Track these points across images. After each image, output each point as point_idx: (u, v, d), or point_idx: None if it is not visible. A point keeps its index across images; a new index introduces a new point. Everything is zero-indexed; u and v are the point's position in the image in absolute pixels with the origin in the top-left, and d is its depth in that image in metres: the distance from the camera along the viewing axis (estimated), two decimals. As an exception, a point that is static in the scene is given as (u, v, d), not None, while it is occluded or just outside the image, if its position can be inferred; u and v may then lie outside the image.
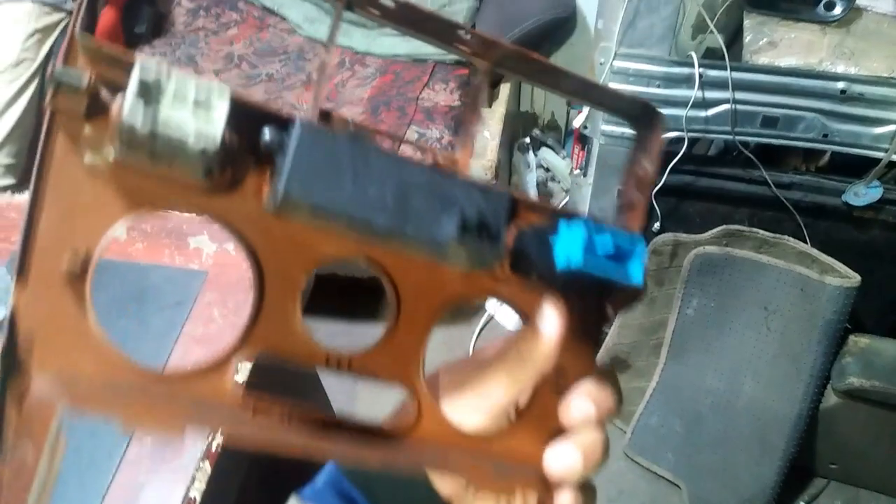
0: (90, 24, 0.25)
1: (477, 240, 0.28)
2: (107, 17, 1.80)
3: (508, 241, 0.30)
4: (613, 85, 1.37)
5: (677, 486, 1.66)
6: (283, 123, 0.27)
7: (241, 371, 0.74)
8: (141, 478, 0.76)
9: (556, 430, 0.33)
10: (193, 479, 0.76)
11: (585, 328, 0.33)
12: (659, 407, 1.69)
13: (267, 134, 0.26)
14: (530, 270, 0.31)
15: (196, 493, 0.75)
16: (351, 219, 0.26)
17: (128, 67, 0.23)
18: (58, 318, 0.25)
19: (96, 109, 0.24)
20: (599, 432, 0.33)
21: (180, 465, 0.77)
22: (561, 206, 1.95)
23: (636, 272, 0.29)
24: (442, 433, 0.31)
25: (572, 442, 0.32)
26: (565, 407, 0.33)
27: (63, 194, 0.24)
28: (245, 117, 0.26)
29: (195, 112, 0.24)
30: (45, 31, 1.67)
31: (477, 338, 1.88)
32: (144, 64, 0.23)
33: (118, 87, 0.24)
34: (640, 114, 0.34)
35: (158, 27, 2.01)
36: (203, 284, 0.96)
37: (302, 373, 1.24)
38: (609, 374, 0.34)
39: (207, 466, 0.77)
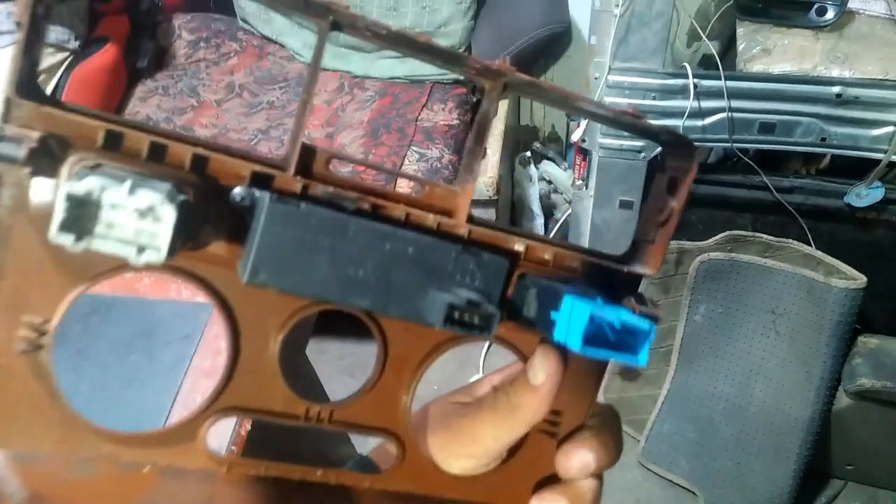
0: (30, 81, 0.22)
1: (468, 318, 0.26)
2: (108, 53, 1.83)
3: (508, 293, 0.28)
4: (609, 99, 1.39)
5: (693, 493, 1.66)
6: (257, 181, 0.25)
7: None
8: None
9: (548, 475, 0.32)
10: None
11: (585, 372, 0.32)
12: (671, 414, 1.69)
13: (237, 196, 0.24)
14: (526, 325, 0.29)
15: None
16: (328, 300, 0.25)
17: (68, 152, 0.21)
18: (15, 394, 0.24)
19: (45, 173, 0.22)
20: (594, 483, 0.32)
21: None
22: (564, 216, 1.96)
23: (641, 356, 0.27)
24: (427, 478, 0.30)
25: (564, 494, 0.32)
26: (562, 457, 0.32)
27: (16, 263, 0.23)
28: (212, 184, 0.24)
29: (137, 226, 0.21)
30: (49, 70, 1.70)
31: (486, 353, 1.88)
32: (73, 182, 0.20)
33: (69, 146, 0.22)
34: (673, 144, 0.30)
35: (160, 60, 2.04)
36: (210, 317, 0.98)
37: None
38: (609, 423, 0.33)
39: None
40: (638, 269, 0.32)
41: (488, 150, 1.80)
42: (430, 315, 0.25)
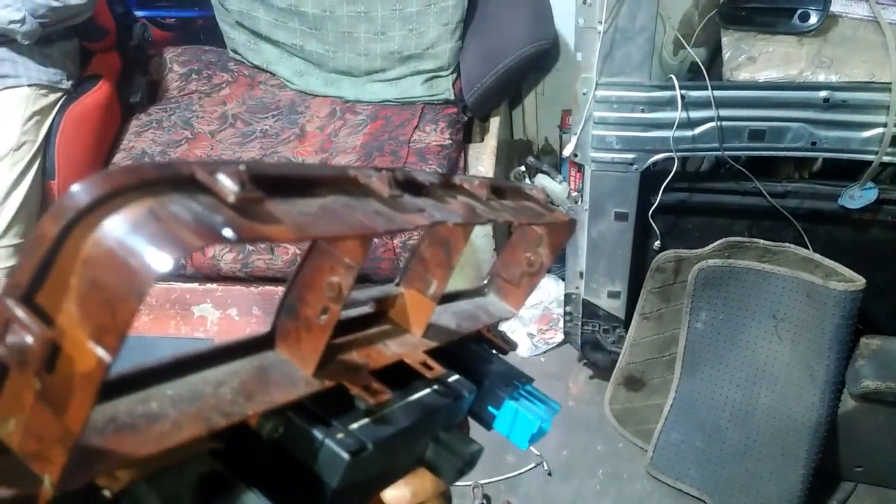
0: None
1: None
2: (101, 90, 1.85)
3: None
4: (598, 113, 1.40)
5: (703, 501, 1.65)
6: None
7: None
8: None
9: None
10: None
11: None
12: (678, 423, 1.69)
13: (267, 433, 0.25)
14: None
15: None
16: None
17: None
18: None
19: None
20: None
21: None
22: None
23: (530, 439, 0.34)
24: None
25: None
26: None
27: None
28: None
29: None
30: (43, 112, 1.72)
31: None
32: None
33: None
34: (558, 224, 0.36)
35: (153, 94, 2.06)
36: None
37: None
38: None
39: None
40: (502, 311, 0.36)
41: (481, 168, 1.82)
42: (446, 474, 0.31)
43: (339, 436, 0.25)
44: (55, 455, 0.17)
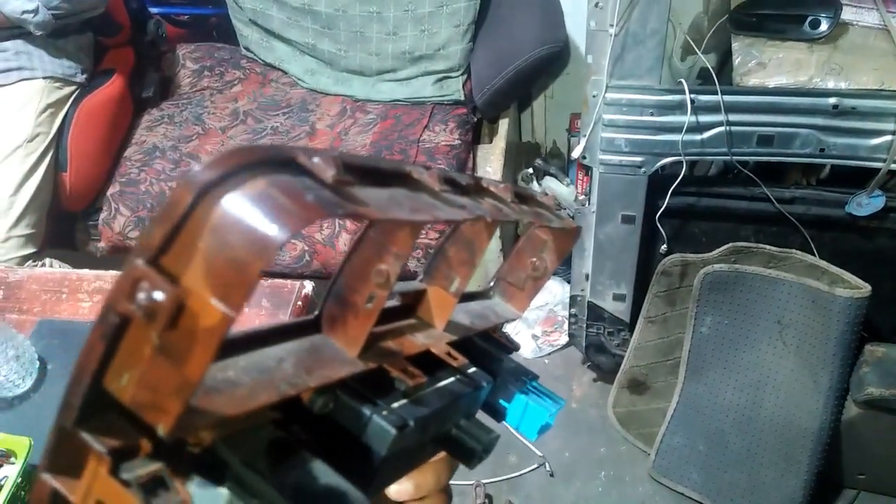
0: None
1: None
2: (114, 85, 1.86)
3: None
4: (608, 116, 1.40)
5: (705, 506, 1.65)
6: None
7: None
8: None
9: None
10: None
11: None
12: (681, 427, 1.69)
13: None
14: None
15: None
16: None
17: None
18: None
19: None
20: None
21: None
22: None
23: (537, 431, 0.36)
24: None
25: None
26: None
27: None
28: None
29: None
30: (57, 104, 1.73)
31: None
32: None
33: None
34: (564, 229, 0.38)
35: (165, 90, 2.08)
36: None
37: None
38: None
39: None
40: (508, 313, 0.39)
41: (489, 169, 1.82)
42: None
43: (384, 413, 0.27)
44: (171, 406, 0.19)
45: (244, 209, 0.18)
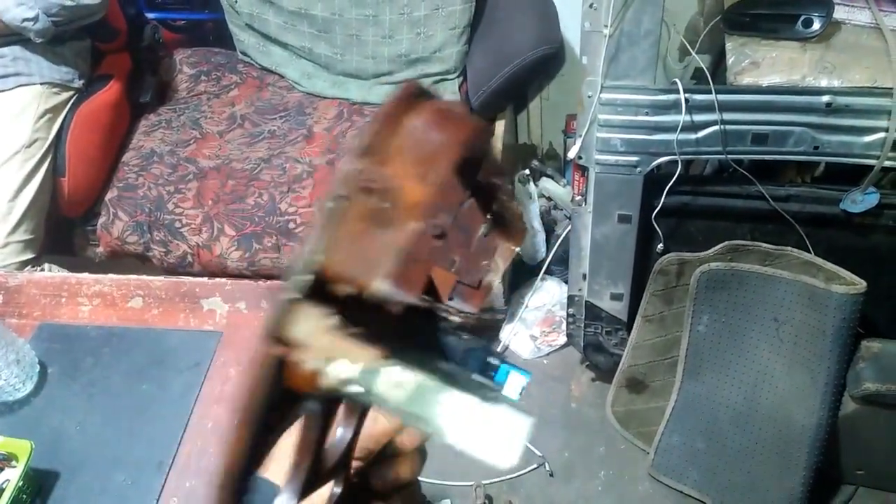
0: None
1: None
2: (112, 90, 1.87)
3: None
4: (603, 116, 1.41)
5: (704, 503, 1.66)
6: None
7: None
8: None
9: None
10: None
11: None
12: (679, 425, 1.70)
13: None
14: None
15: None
16: None
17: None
18: None
19: None
20: None
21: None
22: (564, 232, 1.98)
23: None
24: None
25: None
26: None
27: None
28: None
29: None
30: (55, 109, 1.74)
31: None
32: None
33: None
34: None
35: (162, 95, 2.08)
36: (218, 344, 1.00)
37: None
38: None
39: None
40: (463, 307, 0.41)
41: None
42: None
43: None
44: (384, 262, 0.26)
45: (428, 119, 0.26)
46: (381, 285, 0.26)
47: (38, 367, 0.99)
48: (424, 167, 0.26)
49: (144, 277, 1.10)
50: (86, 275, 1.12)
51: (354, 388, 0.27)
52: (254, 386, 0.28)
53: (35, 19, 1.60)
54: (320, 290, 0.26)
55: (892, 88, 1.28)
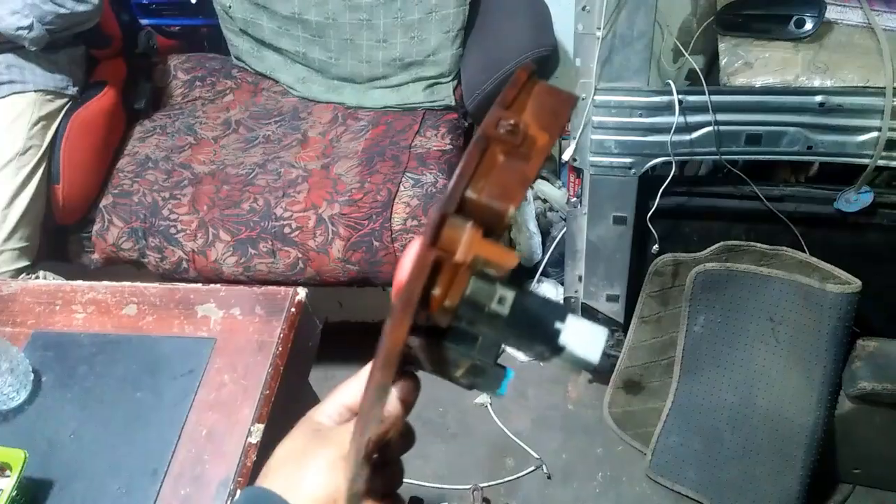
0: None
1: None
2: (107, 97, 1.87)
3: None
4: (597, 118, 1.41)
5: (702, 503, 1.66)
6: None
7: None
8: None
9: None
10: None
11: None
12: (676, 426, 1.70)
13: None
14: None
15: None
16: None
17: None
18: None
19: None
20: None
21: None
22: (560, 234, 1.98)
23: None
24: None
25: None
26: None
27: None
28: None
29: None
30: (49, 117, 1.74)
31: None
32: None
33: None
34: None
35: (157, 101, 2.08)
36: (212, 351, 1.00)
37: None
38: None
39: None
40: None
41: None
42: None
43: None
44: (517, 193, 0.32)
45: (549, 87, 0.35)
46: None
47: (32, 375, 0.99)
48: (548, 120, 0.34)
49: (138, 284, 1.10)
50: (80, 282, 1.12)
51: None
52: None
53: (30, 28, 1.60)
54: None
55: (884, 88, 1.28)
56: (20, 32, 1.60)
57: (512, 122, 0.33)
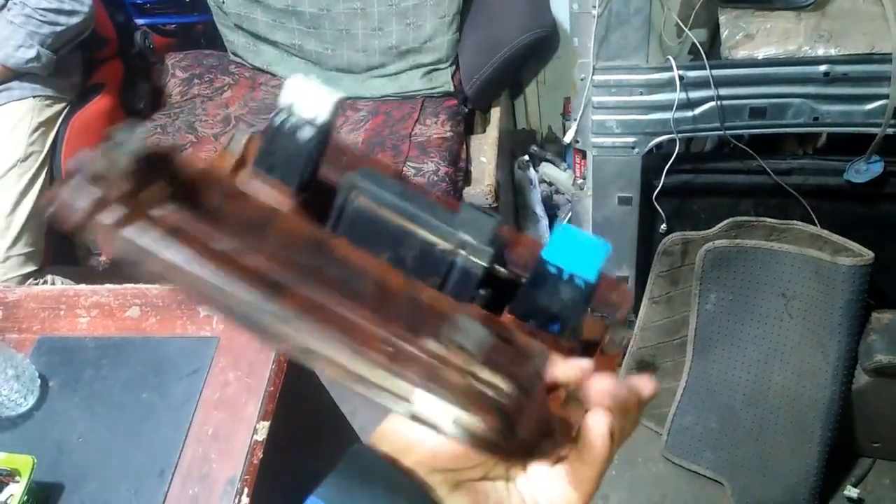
0: None
1: None
2: (105, 99, 1.87)
3: None
4: (597, 98, 1.39)
5: (719, 482, 1.65)
6: None
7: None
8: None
9: None
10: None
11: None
12: (691, 406, 1.68)
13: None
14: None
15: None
16: None
17: None
18: None
19: None
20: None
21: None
22: (566, 218, 1.97)
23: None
24: None
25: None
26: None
27: None
28: None
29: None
30: (48, 122, 1.74)
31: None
32: None
33: None
34: None
35: (156, 101, 2.07)
36: (216, 350, 0.99)
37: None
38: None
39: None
40: None
41: (483, 159, 1.81)
42: None
43: None
44: None
45: None
46: None
47: (38, 381, 0.99)
48: None
49: (141, 286, 1.10)
50: (83, 286, 1.12)
51: None
52: None
53: (38, 58, 1.64)
54: None
55: (891, 54, 1.25)
56: (31, 65, 1.65)
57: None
